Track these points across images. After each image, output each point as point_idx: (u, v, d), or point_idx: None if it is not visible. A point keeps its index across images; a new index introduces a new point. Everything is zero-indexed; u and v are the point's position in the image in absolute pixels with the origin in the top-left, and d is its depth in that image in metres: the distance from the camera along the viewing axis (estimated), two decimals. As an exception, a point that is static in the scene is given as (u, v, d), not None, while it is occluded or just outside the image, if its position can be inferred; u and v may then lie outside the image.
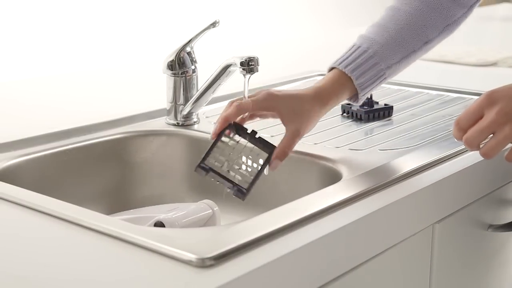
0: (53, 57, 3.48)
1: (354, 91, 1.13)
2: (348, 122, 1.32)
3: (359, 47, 1.14)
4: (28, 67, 3.34)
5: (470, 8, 1.19)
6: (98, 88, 1.63)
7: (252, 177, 1.01)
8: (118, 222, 0.88)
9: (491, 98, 0.97)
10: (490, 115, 0.96)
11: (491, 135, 0.97)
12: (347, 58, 1.13)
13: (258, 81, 1.48)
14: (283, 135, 1.05)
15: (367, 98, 1.34)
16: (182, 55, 1.27)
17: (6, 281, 0.74)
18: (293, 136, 1.05)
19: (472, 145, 0.97)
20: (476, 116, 0.97)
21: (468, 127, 0.97)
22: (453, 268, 1.12)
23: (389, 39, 1.14)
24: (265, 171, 1.04)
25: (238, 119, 1.06)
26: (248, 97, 1.07)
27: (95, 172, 1.21)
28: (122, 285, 0.74)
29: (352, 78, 1.11)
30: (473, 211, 1.13)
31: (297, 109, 1.06)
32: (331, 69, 1.14)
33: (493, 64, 1.85)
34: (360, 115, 1.33)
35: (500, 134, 0.95)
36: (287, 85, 1.60)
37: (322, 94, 1.09)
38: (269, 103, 1.06)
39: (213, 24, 1.22)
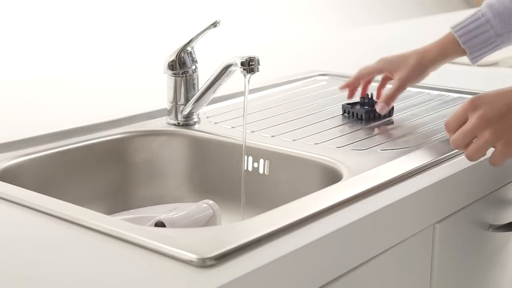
0: (53, 57, 3.48)
1: (463, 53, 1.30)
2: (349, 122, 1.32)
3: (476, 12, 1.29)
4: (28, 67, 3.35)
5: None
6: (98, 88, 1.63)
7: None
8: (118, 222, 0.88)
9: (474, 104, 1.02)
10: (472, 120, 1.02)
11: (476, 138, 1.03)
12: (462, 22, 1.29)
13: (259, 81, 1.48)
14: (284, 135, 1.04)
15: (368, 98, 1.34)
16: (182, 55, 1.27)
17: (7, 281, 0.74)
18: (398, 85, 1.30)
19: (458, 147, 1.04)
20: (461, 119, 1.04)
21: (455, 129, 1.04)
22: (454, 268, 1.12)
23: (504, 9, 1.27)
24: (266, 170, 1.04)
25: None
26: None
27: (96, 172, 1.21)
28: (122, 285, 0.74)
29: (460, 41, 1.28)
30: (473, 211, 1.12)
31: (402, 61, 1.31)
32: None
33: (494, 64, 1.85)
34: (361, 115, 1.33)
35: (481, 138, 1.01)
36: (287, 85, 1.60)
37: (426, 51, 1.31)
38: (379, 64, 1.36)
39: (214, 24, 1.22)
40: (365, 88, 1.40)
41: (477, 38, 1.28)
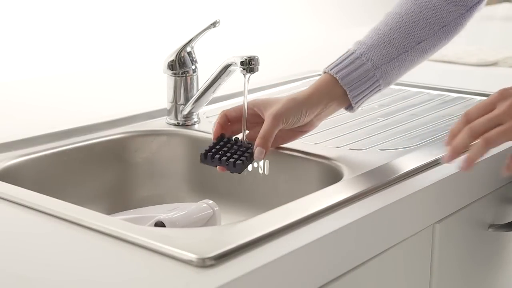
0: (53, 57, 3.48)
1: (342, 94, 1.12)
2: (349, 122, 1.32)
3: (348, 51, 1.14)
4: (28, 67, 3.34)
5: (471, 9, 1.17)
6: (98, 88, 1.63)
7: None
8: (118, 222, 0.88)
9: (505, 94, 0.97)
10: (502, 107, 0.95)
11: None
12: (335, 61, 1.14)
13: (259, 81, 1.48)
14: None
15: (232, 141, 1.12)
16: (182, 55, 1.27)
17: (7, 280, 0.74)
18: (271, 120, 1.07)
19: (474, 134, 0.94)
20: (486, 109, 0.97)
21: (476, 118, 0.96)
22: (454, 268, 1.12)
23: (378, 40, 1.14)
24: (266, 170, 1.04)
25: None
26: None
27: (96, 172, 1.21)
28: (122, 285, 0.74)
29: (337, 78, 1.11)
30: (473, 211, 1.12)
31: (273, 100, 1.11)
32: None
33: (494, 64, 1.85)
34: (232, 163, 1.08)
35: (509, 123, 0.94)
36: (287, 85, 1.60)
37: (300, 91, 1.12)
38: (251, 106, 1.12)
39: (214, 24, 1.22)
40: (227, 129, 1.13)
41: (354, 73, 1.12)
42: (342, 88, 1.12)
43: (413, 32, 1.14)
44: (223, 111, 1.13)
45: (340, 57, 1.14)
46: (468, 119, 0.97)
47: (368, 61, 1.12)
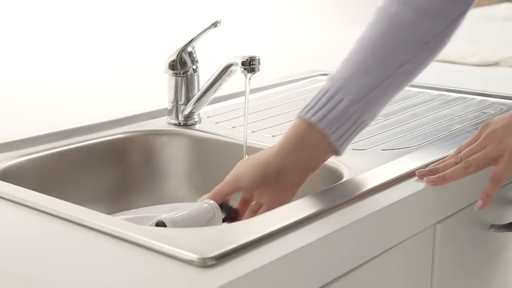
0: (53, 57, 3.48)
1: (322, 138, 0.99)
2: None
3: (321, 89, 1.01)
4: (28, 67, 3.35)
5: (452, 23, 1.04)
6: (99, 88, 1.63)
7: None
8: (119, 222, 0.88)
9: (486, 126, 1.06)
10: (483, 137, 1.05)
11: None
12: (308, 104, 1.01)
13: (260, 81, 1.48)
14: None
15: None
16: (183, 55, 1.27)
17: (8, 280, 0.74)
18: (223, 182, 1.04)
19: (459, 160, 1.04)
20: (474, 141, 1.05)
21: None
22: (455, 268, 1.12)
23: (353, 70, 1.00)
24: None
25: None
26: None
27: (97, 172, 1.21)
28: (123, 285, 0.74)
29: (313, 122, 0.98)
30: (474, 211, 1.12)
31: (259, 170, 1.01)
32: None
33: (495, 64, 1.84)
34: None
35: (487, 148, 1.03)
36: (288, 85, 1.60)
37: (270, 150, 1.02)
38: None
39: (215, 24, 1.22)
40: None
41: (332, 113, 0.98)
42: (320, 132, 0.99)
43: (393, 55, 1.01)
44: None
45: (313, 98, 1.00)
46: (459, 150, 1.05)
47: (346, 97, 0.98)
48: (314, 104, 1.00)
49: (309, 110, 0.99)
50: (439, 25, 1.02)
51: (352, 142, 1.18)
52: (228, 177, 1.03)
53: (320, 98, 1.00)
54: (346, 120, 0.99)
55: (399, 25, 1.02)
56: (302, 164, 1.00)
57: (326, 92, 1.00)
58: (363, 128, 1.01)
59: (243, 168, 1.02)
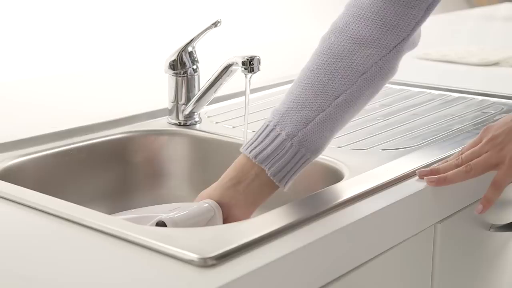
0: (53, 57, 3.48)
1: (260, 172, 0.99)
2: (350, 121, 1.32)
3: (264, 123, 1.01)
4: (28, 67, 3.35)
5: (395, 50, 1.00)
6: (99, 88, 1.63)
7: None
8: (119, 221, 0.88)
9: (487, 129, 1.06)
10: (484, 141, 1.05)
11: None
12: (251, 139, 1.01)
13: (260, 81, 1.48)
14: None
15: None
16: (183, 55, 1.27)
17: (8, 280, 0.74)
18: None
19: (461, 162, 1.04)
20: (476, 145, 1.06)
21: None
22: (455, 268, 1.12)
23: (291, 104, 0.99)
24: None
25: None
26: None
27: (97, 171, 1.21)
28: (123, 284, 0.74)
29: (250, 157, 0.98)
30: (474, 211, 1.12)
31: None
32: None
33: (495, 63, 1.84)
34: None
35: (488, 153, 1.03)
36: (288, 85, 1.59)
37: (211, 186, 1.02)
38: None
39: (215, 24, 1.22)
40: None
41: (269, 147, 0.97)
42: (258, 167, 0.98)
43: (327, 87, 0.98)
44: None
45: (256, 133, 1.00)
46: (461, 152, 1.07)
47: (283, 131, 0.98)
48: (255, 139, 1.00)
49: (249, 146, 1.00)
50: (376, 54, 0.99)
51: (352, 142, 1.19)
52: None
53: (261, 133, 1.00)
54: (283, 154, 0.98)
55: (335, 55, 1.00)
56: (241, 199, 1.00)
57: (266, 127, 1.00)
58: (305, 163, 0.99)
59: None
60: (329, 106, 0.98)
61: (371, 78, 0.99)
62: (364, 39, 0.99)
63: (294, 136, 0.98)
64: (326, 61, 1.00)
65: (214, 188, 1.02)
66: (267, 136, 0.99)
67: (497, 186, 1.03)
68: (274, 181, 0.99)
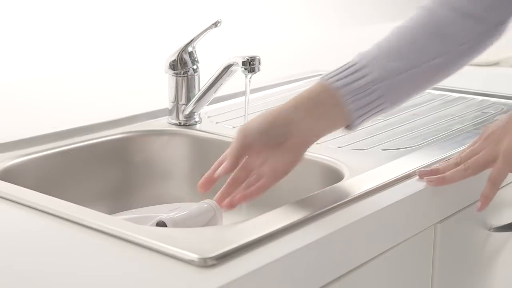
0: (53, 57, 3.47)
1: (336, 104, 0.97)
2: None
3: (347, 63, 1.00)
4: (28, 67, 3.34)
5: (493, 29, 1.04)
6: (100, 88, 1.63)
7: None
8: (120, 221, 0.88)
9: (485, 131, 1.04)
10: (481, 141, 1.04)
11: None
12: (331, 72, 1.00)
13: (260, 81, 1.48)
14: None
15: None
16: (184, 55, 1.27)
17: (8, 280, 0.74)
18: (236, 135, 1.00)
19: (459, 162, 1.03)
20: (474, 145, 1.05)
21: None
22: (455, 268, 1.12)
23: (384, 52, 1.00)
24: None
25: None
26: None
27: (97, 171, 1.21)
28: (123, 284, 0.74)
29: (335, 87, 0.97)
30: (474, 211, 1.12)
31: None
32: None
33: (496, 63, 1.84)
34: None
35: (483, 152, 1.02)
36: (289, 85, 1.60)
37: (286, 103, 1.00)
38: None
39: (215, 24, 1.22)
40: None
41: (354, 84, 0.97)
42: (338, 98, 0.97)
43: (426, 48, 1.00)
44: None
45: (337, 69, 0.99)
46: (462, 152, 1.05)
47: (370, 74, 0.97)
48: (338, 73, 0.98)
49: (331, 77, 0.98)
50: (478, 29, 1.02)
51: (352, 142, 1.19)
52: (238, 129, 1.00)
53: (345, 70, 0.98)
54: (366, 94, 0.97)
55: (438, 20, 1.01)
56: (312, 123, 0.97)
57: (352, 65, 0.99)
58: (382, 110, 1.00)
59: (253, 119, 1.00)
60: (424, 64, 0.99)
61: (468, 50, 1.03)
62: (469, 13, 1.01)
63: (382, 81, 0.97)
64: (428, 23, 1.01)
65: (286, 105, 0.98)
66: (352, 73, 0.97)
67: (492, 182, 1.02)
68: (351, 116, 0.97)
